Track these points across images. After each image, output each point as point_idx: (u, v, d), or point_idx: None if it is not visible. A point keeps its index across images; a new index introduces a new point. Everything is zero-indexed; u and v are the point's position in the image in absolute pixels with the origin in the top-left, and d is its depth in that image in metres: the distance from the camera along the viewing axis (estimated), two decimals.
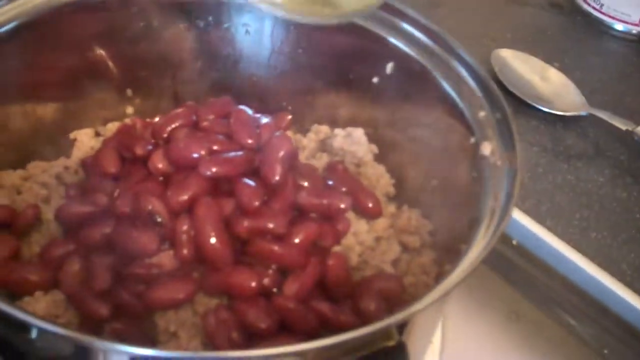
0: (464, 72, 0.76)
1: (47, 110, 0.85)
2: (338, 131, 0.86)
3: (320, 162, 0.84)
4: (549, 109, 1.07)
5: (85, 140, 0.85)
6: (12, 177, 0.80)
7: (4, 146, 0.81)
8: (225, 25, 0.88)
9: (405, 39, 0.79)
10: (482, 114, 0.73)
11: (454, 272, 0.57)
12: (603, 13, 1.22)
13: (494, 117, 0.72)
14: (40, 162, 0.83)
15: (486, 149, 0.69)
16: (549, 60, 1.14)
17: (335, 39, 0.84)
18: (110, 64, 0.88)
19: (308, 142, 0.86)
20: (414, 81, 0.80)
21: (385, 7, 0.79)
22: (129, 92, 0.89)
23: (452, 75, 0.76)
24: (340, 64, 0.86)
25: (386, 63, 0.82)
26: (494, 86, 0.73)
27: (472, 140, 0.72)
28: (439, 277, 0.69)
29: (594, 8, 1.23)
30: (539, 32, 1.23)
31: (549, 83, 1.11)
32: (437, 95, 0.77)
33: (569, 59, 1.17)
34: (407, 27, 0.79)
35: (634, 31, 1.21)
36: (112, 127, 0.88)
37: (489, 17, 1.26)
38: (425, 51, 0.79)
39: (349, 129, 0.86)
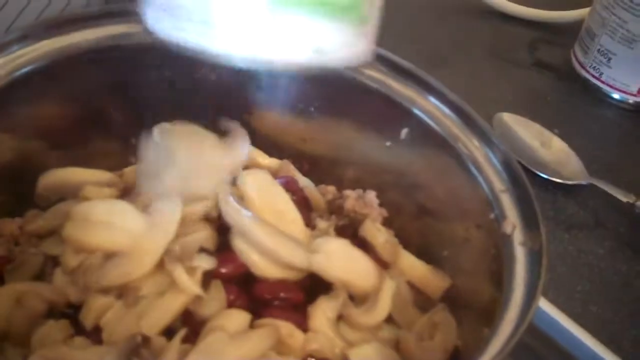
0: (483, 146, 0.75)
1: (51, 157, 0.82)
2: (349, 192, 0.85)
3: (330, 224, 0.82)
4: (550, 176, 1.07)
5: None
6: (11, 225, 0.77)
7: (5, 192, 0.79)
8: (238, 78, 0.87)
9: (425, 107, 0.79)
10: (501, 188, 0.72)
11: None
12: (602, 82, 1.23)
13: (514, 192, 0.71)
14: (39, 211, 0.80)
15: (508, 226, 0.69)
16: (549, 125, 1.15)
17: (352, 99, 0.83)
18: (117, 113, 0.86)
19: (317, 202, 0.84)
20: (430, 150, 0.79)
21: (407, 74, 0.79)
22: (134, 141, 0.87)
23: (470, 147, 0.76)
24: (352, 125, 0.85)
25: (401, 128, 0.81)
26: (514, 161, 0.72)
27: (492, 215, 0.71)
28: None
29: (592, 76, 1.24)
30: (539, 97, 1.24)
31: (550, 150, 1.11)
32: (454, 167, 0.76)
33: (568, 125, 1.17)
34: (427, 96, 0.78)
35: (631, 100, 1.22)
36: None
37: (490, 78, 1.26)
38: (444, 121, 0.78)
39: (359, 191, 0.85)
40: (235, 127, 0.77)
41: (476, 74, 1.27)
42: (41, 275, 0.73)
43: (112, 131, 0.87)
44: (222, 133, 0.79)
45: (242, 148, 0.74)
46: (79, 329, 0.68)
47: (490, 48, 1.33)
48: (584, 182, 1.06)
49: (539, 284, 0.62)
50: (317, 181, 0.89)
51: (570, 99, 1.26)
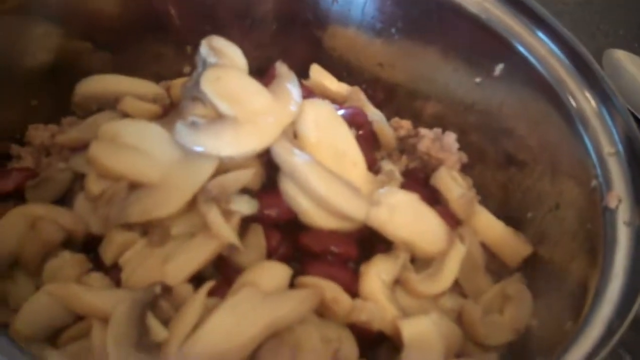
0: (595, 97, 0.62)
1: (96, 59, 0.73)
2: (425, 131, 0.73)
3: (399, 165, 0.71)
4: None
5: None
6: (42, 133, 0.69)
7: (40, 95, 0.70)
8: None
9: (530, 42, 0.66)
10: (610, 150, 0.59)
11: None
12: None
13: (625, 157, 0.58)
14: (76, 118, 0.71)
15: (612, 200, 0.56)
16: None
17: (442, 23, 0.71)
18: (173, 15, 0.75)
19: (387, 139, 0.73)
20: (527, 91, 0.67)
21: (519, 4, 0.66)
22: (189, 49, 0.77)
23: (579, 96, 0.63)
24: (438, 54, 0.73)
25: (497, 64, 0.68)
26: (631, 120, 0.59)
27: (593, 182, 0.59)
28: None
29: None
30: None
31: None
32: (555, 116, 0.64)
33: None
34: (535, 29, 0.65)
35: None
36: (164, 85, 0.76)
37: (605, 8, 1.10)
38: (550, 62, 0.65)
39: (438, 131, 0.73)
40: (283, 69, 0.65)
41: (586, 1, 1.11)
42: (67, 197, 0.65)
43: (168, 35, 0.77)
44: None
45: (294, 97, 0.62)
46: (97, 263, 0.59)
47: None
48: None
49: None
50: (392, 114, 0.78)
51: None
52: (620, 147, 0.59)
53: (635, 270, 0.51)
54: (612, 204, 0.56)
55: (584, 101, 0.62)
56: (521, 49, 0.66)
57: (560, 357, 0.47)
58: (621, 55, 1.00)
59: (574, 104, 0.62)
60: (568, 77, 0.63)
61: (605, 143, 0.60)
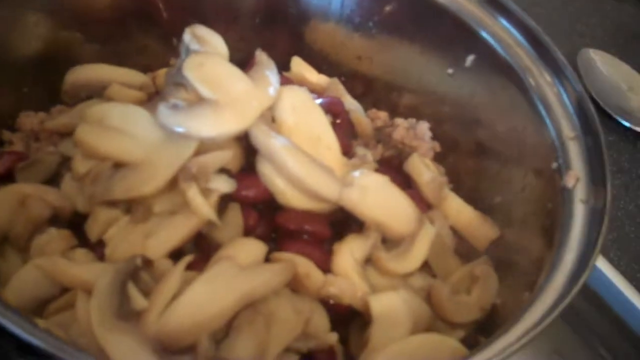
0: (557, 83, 0.65)
1: (86, 50, 0.76)
2: (400, 121, 0.76)
3: (375, 153, 0.75)
4: (633, 125, 0.96)
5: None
6: (32, 120, 0.72)
7: (31, 83, 0.73)
8: None
9: (497, 33, 0.69)
10: (570, 134, 0.63)
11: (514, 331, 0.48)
12: None
13: (584, 140, 0.62)
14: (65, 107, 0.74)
15: (570, 180, 0.59)
16: None
17: (415, 19, 0.74)
18: (161, 8, 0.79)
19: (363, 128, 0.76)
20: (495, 80, 0.70)
21: None
22: (175, 41, 0.80)
23: (542, 83, 0.66)
24: (413, 47, 0.76)
25: (467, 55, 0.71)
26: (590, 105, 0.63)
27: (554, 165, 0.62)
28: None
29: None
30: (634, 36, 1.11)
31: (637, 95, 0.99)
32: (521, 104, 0.67)
33: None
34: (503, 21, 0.69)
35: None
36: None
37: (581, 9, 1.14)
38: (516, 50, 0.68)
39: (412, 121, 0.76)
40: (263, 57, 0.68)
41: (566, 2, 1.15)
42: (55, 179, 0.68)
43: (153, 28, 0.80)
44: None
45: (272, 82, 0.65)
46: (83, 240, 0.62)
47: None
48: None
49: (595, 250, 0.53)
50: (370, 105, 0.81)
51: None
52: (579, 132, 0.62)
53: (588, 243, 0.55)
54: (570, 183, 0.59)
55: (547, 88, 0.65)
56: (489, 39, 0.69)
57: (513, 324, 0.50)
58: (595, 55, 1.04)
59: (537, 91, 0.66)
60: (532, 65, 0.67)
61: (566, 127, 0.63)
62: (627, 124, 0.97)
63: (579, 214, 0.58)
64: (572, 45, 1.05)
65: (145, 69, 0.80)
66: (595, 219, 0.57)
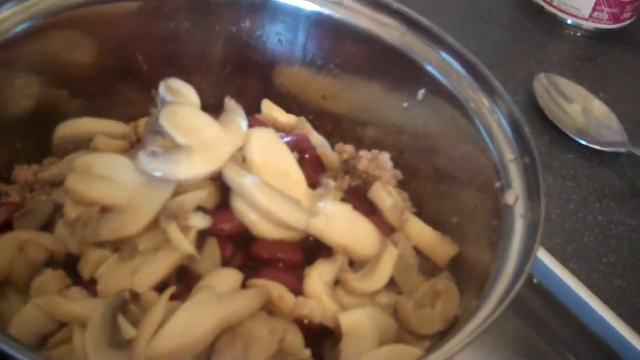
0: (497, 110, 0.72)
1: (72, 106, 0.83)
2: (363, 153, 0.83)
3: (343, 184, 0.81)
4: (589, 143, 1.03)
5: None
6: (27, 172, 0.79)
7: (24, 139, 0.80)
8: (258, 33, 0.86)
9: (442, 67, 0.76)
10: (510, 157, 0.69)
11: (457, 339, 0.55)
12: None
13: (522, 162, 0.68)
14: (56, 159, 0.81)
15: (510, 197, 0.66)
16: (595, 90, 1.10)
17: (372, 59, 0.81)
18: (140, 62, 0.86)
19: (330, 161, 0.83)
20: (445, 112, 0.77)
21: (426, 32, 0.76)
22: (154, 92, 0.87)
23: (485, 111, 0.73)
24: (372, 85, 0.83)
25: (419, 89, 0.79)
26: (526, 129, 0.70)
27: (498, 185, 0.69)
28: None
29: None
30: (588, 59, 1.19)
31: (590, 115, 1.07)
32: (467, 130, 0.74)
33: (616, 90, 1.12)
34: (445, 56, 0.76)
35: None
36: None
37: (537, 38, 1.21)
38: (460, 82, 0.76)
39: (375, 152, 0.83)
40: (232, 104, 0.75)
41: (523, 31, 1.22)
42: (49, 225, 0.74)
43: (134, 82, 0.87)
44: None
45: (241, 126, 0.73)
46: (77, 279, 0.69)
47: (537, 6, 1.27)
48: (623, 151, 1.02)
49: (530, 259, 0.60)
50: (338, 140, 0.88)
51: (621, 63, 1.20)
52: (518, 154, 0.69)
53: (526, 253, 0.61)
54: (510, 201, 0.66)
55: (489, 115, 0.73)
56: (435, 73, 0.76)
57: (460, 330, 0.57)
58: (551, 79, 1.11)
59: (480, 118, 0.73)
60: (474, 94, 0.74)
61: (507, 151, 0.70)
62: (583, 142, 1.03)
63: (519, 228, 0.64)
64: (529, 71, 1.12)
65: (129, 118, 0.87)
66: (532, 231, 0.63)
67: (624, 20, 1.22)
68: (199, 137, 0.69)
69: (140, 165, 0.67)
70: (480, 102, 0.73)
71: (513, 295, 0.57)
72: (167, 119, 0.69)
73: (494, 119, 0.72)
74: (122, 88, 0.87)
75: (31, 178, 0.80)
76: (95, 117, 0.84)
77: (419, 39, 0.78)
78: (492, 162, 0.70)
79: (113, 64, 0.84)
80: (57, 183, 0.77)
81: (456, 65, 0.76)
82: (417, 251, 0.77)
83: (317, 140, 0.84)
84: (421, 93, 0.79)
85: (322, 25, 0.83)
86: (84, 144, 0.80)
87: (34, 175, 0.80)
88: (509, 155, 0.69)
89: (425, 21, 0.78)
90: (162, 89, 0.74)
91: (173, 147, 0.69)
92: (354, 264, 0.73)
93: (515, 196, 0.66)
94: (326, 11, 0.82)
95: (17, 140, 0.80)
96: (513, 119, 0.71)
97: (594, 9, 1.19)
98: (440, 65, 0.76)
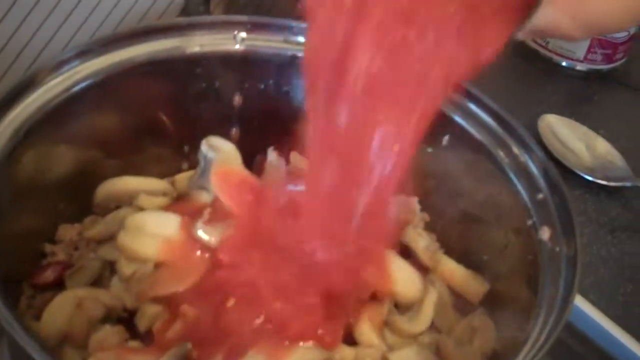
0: (522, 152, 0.77)
1: (108, 165, 0.86)
2: (392, 199, 0.87)
3: None
4: (595, 178, 1.07)
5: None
6: (70, 231, 0.82)
7: (65, 200, 0.83)
8: (285, 89, 0.90)
9: (465, 114, 0.81)
10: (540, 196, 0.74)
11: None
12: None
13: (552, 199, 0.73)
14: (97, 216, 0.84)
15: (545, 233, 0.70)
16: (595, 127, 1.15)
17: None
18: (171, 121, 0.89)
19: None
20: (470, 156, 0.81)
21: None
22: (186, 148, 0.91)
23: (509, 154, 0.77)
24: None
25: (443, 136, 0.83)
26: (553, 168, 0.74)
27: (529, 222, 0.73)
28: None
29: None
30: (586, 98, 1.24)
31: (594, 152, 1.11)
32: (494, 173, 0.78)
33: (615, 126, 1.17)
34: (468, 103, 0.80)
35: None
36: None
37: (536, 81, 1.27)
38: (483, 128, 0.80)
39: (403, 197, 0.87)
40: (273, 157, 0.80)
41: (522, 76, 1.28)
42: (99, 280, 0.77)
43: (166, 140, 0.91)
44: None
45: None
46: (132, 331, 0.71)
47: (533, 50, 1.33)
48: (628, 184, 1.07)
49: (573, 290, 0.64)
50: None
51: (619, 101, 1.26)
52: (547, 192, 0.74)
53: (566, 286, 0.65)
54: (545, 236, 0.70)
55: (515, 158, 0.77)
56: (460, 121, 0.81)
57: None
58: (554, 119, 1.16)
59: (507, 162, 0.77)
60: (499, 138, 0.78)
61: (535, 190, 0.74)
62: (589, 177, 1.08)
63: (556, 261, 0.68)
64: (532, 112, 1.16)
65: (162, 175, 0.90)
66: (569, 264, 0.67)
67: (616, 60, 1.27)
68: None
69: (196, 233, 0.71)
70: (506, 146, 0.78)
71: (561, 327, 0.60)
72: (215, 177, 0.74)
73: (520, 160, 0.76)
74: (152, 146, 0.90)
75: (75, 237, 0.83)
76: (131, 175, 0.87)
77: None
78: (521, 202, 0.74)
79: (143, 126, 0.88)
80: (103, 240, 0.80)
81: (479, 111, 0.80)
82: (450, 289, 0.81)
83: None
84: (445, 139, 0.83)
85: None
86: (126, 202, 0.83)
87: (77, 234, 0.83)
88: (538, 193, 0.74)
89: None
90: (204, 146, 0.78)
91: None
92: (398, 307, 0.76)
93: (548, 231, 0.70)
94: None
95: (59, 202, 0.83)
96: (540, 160, 0.75)
97: (588, 51, 1.24)
98: (464, 112, 0.81)
